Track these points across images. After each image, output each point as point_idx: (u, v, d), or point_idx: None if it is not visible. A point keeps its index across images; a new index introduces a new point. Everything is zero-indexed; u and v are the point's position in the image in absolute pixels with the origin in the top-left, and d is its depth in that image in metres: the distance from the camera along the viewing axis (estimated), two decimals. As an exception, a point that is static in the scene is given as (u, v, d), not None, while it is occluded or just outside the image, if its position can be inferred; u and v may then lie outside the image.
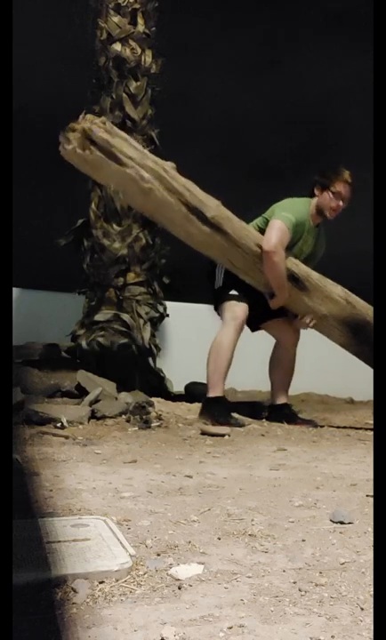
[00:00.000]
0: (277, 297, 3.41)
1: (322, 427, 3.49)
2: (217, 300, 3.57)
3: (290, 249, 3.42)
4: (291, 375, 3.71)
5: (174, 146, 4.38)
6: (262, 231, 3.41)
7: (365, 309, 3.48)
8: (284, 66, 5.75)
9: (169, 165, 3.24)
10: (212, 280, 3.60)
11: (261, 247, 3.29)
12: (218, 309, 3.58)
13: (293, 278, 3.40)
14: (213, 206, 3.25)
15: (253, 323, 3.68)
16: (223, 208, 3.31)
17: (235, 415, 3.39)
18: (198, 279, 3.74)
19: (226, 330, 3.42)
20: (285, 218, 3.37)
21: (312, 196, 3.56)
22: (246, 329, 3.60)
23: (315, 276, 3.47)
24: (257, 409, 3.84)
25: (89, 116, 3.21)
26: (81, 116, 3.20)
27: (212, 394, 3.40)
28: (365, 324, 3.45)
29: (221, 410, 3.31)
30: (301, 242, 3.52)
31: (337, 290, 3.50)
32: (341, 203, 3.49)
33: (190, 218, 3.23)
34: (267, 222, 3.45)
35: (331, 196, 3.47)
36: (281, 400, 3.69)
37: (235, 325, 3.40)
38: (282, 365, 3.68)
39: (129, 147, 3.18)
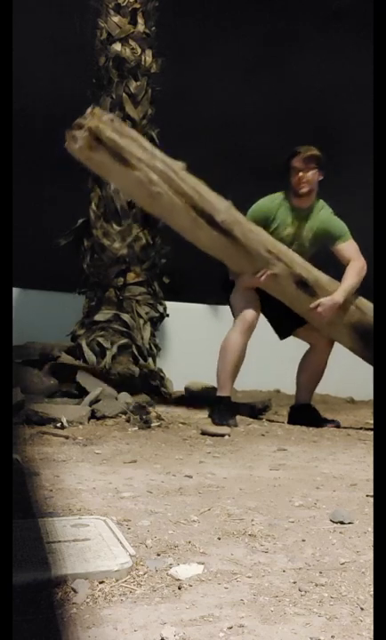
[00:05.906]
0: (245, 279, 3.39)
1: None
2: (228, 295, 3.55)
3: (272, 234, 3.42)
4: (317, 379, 3.68)
5: (175, 145, 4.38)
6: None
7: None
8: (284, 65, 5.74)
9: (179, 166, 3.17)
10: (225, 286, 3.58)
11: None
12: (231, 308, 3.57)
13: (302, 284, 3.37)
14: (223, 209, 3.20)
15: (284, 331, 3.69)
16: (234, 211, 3.27)
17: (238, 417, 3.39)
18: (198, 279, 3.73)
19: (233, 331, 3.42)
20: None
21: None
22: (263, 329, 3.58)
23: (324, 280, 3.43)
24: (254, 410, 3.83)
25: (96, 111, 3.09)
26: (88, 110, 3.10)
27: (218, 393, 3.44)
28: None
29: (222, 410, 3.32)
30: (279, 226, 3.48)
31: None
32: (300, 175, 3.44)
33: (199, 222, 3.18)
34: None
35: (291, 172, 3.46)
36: (303, 401, 3.67)
37: (242, 326, 3.38)
38: (311, 368, 3.65)
39: (138, 147, 3.09)
